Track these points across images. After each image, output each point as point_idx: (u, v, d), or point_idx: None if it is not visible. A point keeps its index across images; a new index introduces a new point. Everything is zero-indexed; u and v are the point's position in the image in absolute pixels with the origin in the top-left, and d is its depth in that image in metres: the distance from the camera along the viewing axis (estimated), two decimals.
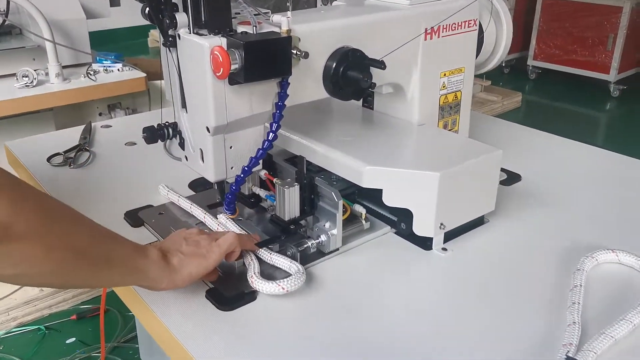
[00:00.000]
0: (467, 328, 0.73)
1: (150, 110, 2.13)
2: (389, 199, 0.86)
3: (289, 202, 0.83)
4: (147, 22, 0.81)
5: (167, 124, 0.87)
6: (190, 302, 0.77)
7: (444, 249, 0.88)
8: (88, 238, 0.67)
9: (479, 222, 0.93)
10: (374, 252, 0.88)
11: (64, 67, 1.95)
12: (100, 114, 2.13)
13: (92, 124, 1.33)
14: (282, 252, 0.83)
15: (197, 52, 0.75)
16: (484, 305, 0.77)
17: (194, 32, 0.77)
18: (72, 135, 1.28)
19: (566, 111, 4.37)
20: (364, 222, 0.89)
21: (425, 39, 0.96)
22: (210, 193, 1.03)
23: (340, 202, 0.82)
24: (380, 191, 0.85)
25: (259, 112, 0.82)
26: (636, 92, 4.52)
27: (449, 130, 1.06)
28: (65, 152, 1.19)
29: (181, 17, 0.77)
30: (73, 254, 0.64)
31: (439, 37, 0.97)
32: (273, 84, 0.81)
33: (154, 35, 5.39)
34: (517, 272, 0.84)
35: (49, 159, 1.17)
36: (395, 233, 0.92)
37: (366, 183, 0.86)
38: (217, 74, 0.73)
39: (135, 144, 1.25)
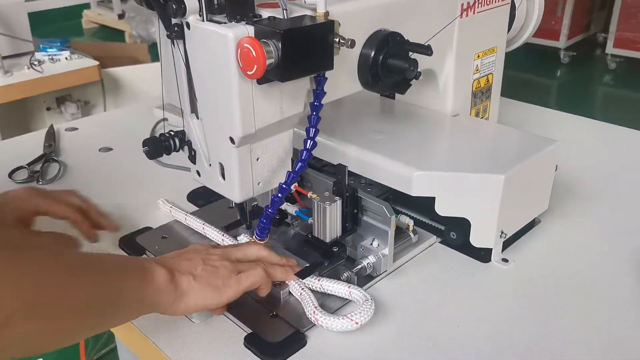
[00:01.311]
0: (555, 349, 0.62)
1: (106, 102, 1.92)
2: (442, 208, 0.74)
3: (331, 220, 0.70)
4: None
5: (171, 133, 0.71)
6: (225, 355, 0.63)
7: (505, 260, 0.76)
8: (87, 292, 0.53)
9: (531, 224, 0.83)
10: (427, 269, 0.75)
11: (3, 57, 1.71)
12: (48, 109, 1.90)
13: (55, 127, 1.14)
14: (330, 277, 0.70)
15: (218, 45, 0.60)
16: (570, 322, 0.66)
17: (207, 20, 0.62)
18: (32, 142, 1.09)
19: (516, 79, 4.36)
20: (412, 234, 0.76)
21: (461, 17, 0.83)
22: (219, 206, 0.88)
23: (393, 218, 0.69)
24: (418, 197, 0.73)
25: (289, 115, 0.67)
26: (585, 58, 4.57)
27: (481, 118, 0.95)
28: (29, 164, 1.00)
29: (191, 1, 0.61)
30: (72, 318, 0.52)
31: (474, 13, 0.85)
32: (305, 80, 0.67)
33: (88, 15, 5.03)
34: (592, 279, 0.74)
35: (10, 175, 0.98)
36: (441, 242, 0.80)
37: (416, 191, 0.73)
38: (249, 73, 0.58)
39: (111, 149, 1.08)
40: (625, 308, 0.69)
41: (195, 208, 0.88)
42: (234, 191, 0.68)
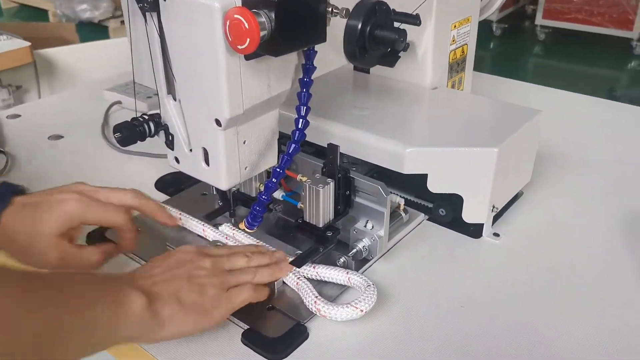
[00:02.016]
0: (557, 320, 0.61)
1: (40, 87, 1.78)
2: (435, 185, 0.71)
3: (324, 203, 0.66)
4: None
5: (145, 117, 0.65)
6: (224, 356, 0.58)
7: (496, 235, 0.75)
8: (39, 328, 0.45)
9: (515, 197, 0.82)
10: (420, 248, 0.73)
11: None
12: None
13: None
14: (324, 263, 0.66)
15: (201, 16, 0.54)
16: (568, 288, 0.66)
17: None
18: None
19: None
20: (403, 214, 0.73)
21: None
22: (192, 193, 0.82)
23: (389, 198, 0.66)
24: (403, 174, 0.70)
25: (277, 92, 0.62)
26: (516, 30, 4.69)
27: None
28: None
29: None
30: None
31: None
32: (292, 55, 0.62)
33: None
34: (582, 243, 0.74)
35: None
36: (429, 220, 0.78)
37: (409, 168, 0.70)
38: (240, 47, 0.53)
39: (61, 137, 0.99)
40: (618, 269, 0.70)
41: (165, 197, 0.82)
42: (220, 178, 0.62)
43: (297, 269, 0.64)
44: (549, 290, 0.66)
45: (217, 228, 0.72)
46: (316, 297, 0.61)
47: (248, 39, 0.52)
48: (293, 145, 0.60)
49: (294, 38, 0.55)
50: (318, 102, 0.71)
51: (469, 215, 0.73)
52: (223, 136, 0.60)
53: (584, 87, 1.18)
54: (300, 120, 0.61)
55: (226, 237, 0.70)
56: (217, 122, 0.59)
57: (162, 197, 0.82)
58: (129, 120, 0.64)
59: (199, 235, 0.73)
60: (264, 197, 0.60)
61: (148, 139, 0.66)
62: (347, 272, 0.64)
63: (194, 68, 0.58)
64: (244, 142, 0.63)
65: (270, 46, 0.54)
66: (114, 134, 0.64)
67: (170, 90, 0.63)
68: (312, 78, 0.61)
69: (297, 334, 0.60)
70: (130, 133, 0.63)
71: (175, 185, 0.85)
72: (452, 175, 0.70)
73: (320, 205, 0.65)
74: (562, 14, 4.42)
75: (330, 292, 0.65)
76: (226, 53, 0.54)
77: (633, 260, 0.71)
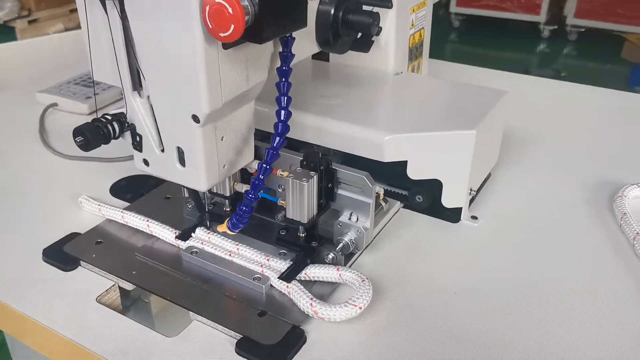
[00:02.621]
0: (545, 297, 0.61)
1: None
2: (415, 171, 0.70)
3: (308, 198, 0.62)
4: None
5: (107, 117, 0.59)
6: None
7: (474, 218, 0.75)
8: None
9: (485, 179, 0.82)
10: (401, 237, 0.71)
11: None
12: None
13: None
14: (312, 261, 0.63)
15: (174, 2, 0.49)
16: (552, 267, 0.66)
17: None
18: None
19: None
20: (383, 203, 0.71)
21: None
22: (154, 198, 0.76)
23: (375, 188, 0.64)
24: (371, 161, 0.68)
25: (255, 83, 0.58)
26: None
27: None
28: None
29: None
30: None
31: None
32: (268, 43, 0.58)
33: None
34: (555, 215, 0.75)
35: None
36: (405, 207, 0.77)
37: (389, 156, 0.68)
38: (222, 35, 0.48)
39: None
40: (589, 232, 0.72)
41: (125, 203, 0.76)
42: (199, 178, 0.58)
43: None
44: (536, 267, 0.67)
45: (191, 235, 0.67)
46: (311, 299, 0.58)
47: (232, 25, 0.47)
48: (278, 139, 0.56)
49: (278, 23, 0.52)
50: (273, 95, 0.67)
51: (448, 199, 0.72)
52: (201, 133, 0.55)
53: (500, 70, 1.21)
54: (282, 111, 0.57)
55: (202, 243, 0.66)
56: (195, 119, 0.54)
57: (121, 203, 0.76)
58: (90, 122, 0.58)
59: (170, 243, 0.68)
60: (251, 195, 0.56)
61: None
62: (338, 269, 0.62)
63: (165, 61, 0.53)
64: (222, 139, 0.58)
65: (254, 32, 0.50)
66: (74, 138, 0.57)
67: (137, 86, 0.57)
68: (291, 66, 0.58)
69: (295, 339, 0.56)
70: (93, 136, 0.57)
71: (132, 190, 0.79)
72: (432, 160, 0.69)
73: (304, 200, 0.62)
74: (475, 1, 4.57)
75: (321, 290, 0.62)
76: (204, 42, 0.50)
77: (605, 227, 0.73)
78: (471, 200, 0.77)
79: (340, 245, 0.65)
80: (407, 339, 0.57)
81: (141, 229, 0.69)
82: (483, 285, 0.64)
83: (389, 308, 0.61)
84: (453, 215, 0.74)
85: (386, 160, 0.68)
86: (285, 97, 0.57)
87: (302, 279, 0.62)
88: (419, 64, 0.92)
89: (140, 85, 0.57)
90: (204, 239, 0.66)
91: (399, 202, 0.76)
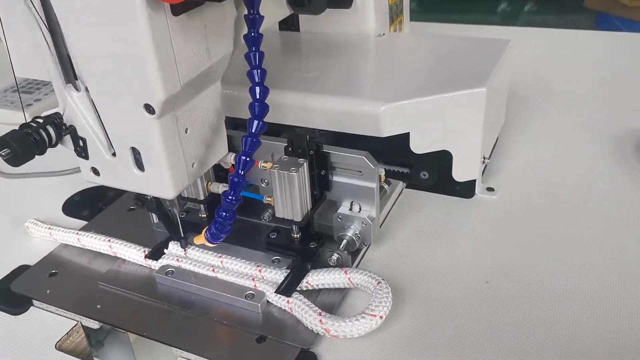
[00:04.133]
0: (591, 268, 0.52)
1: None
2: (419, 144, 0.59)
3: (300, 190, 0.51)
4: None
5: (39, 121, 0.47)
6: None
7: (490, 189, 0.65)
8: None
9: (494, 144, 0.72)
10: (411, 221, 0.61)
11: None
12: None
13: None
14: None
15: None
16: (585, 232, 0.57)
17: None
18: None
19: None
20: (386, 186, 0.61)
21: None
22: (115, 211, 0.65)
23: (378, 169, 0.53)
24: (360, 138, 0.58)
25: (218, 57, 0.47)
26: None
27: None
28: None
29: None
30: None
31: None
32: (229, 5, 0.47)
33: None
34: (581, 177, 0.66)
35: None
36: (408, 187, 0.67)
37: (387, 130, 0.57)
38: None
39: None
40: (620, 187, 0.63)
41: (82, 222, 0.64)
42: (164, 183, 0.46)
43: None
44: (572, 234, 0.57)
45: (163, 251, 0.56)
46: (320, 314, 0.47)
47: None
48: (256, 122, 0.45)
49: None
50: (241, 74, 0.56)
51: (460, 172, 0.62)
52: (158, 127, 0.44)
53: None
54: (257, 88, 0.46)
55: (177, 260, 0.55)
56: (148, 109, 0.43)
57: (78, 223, 0.64)
58: (17, 129, 0.46)
59: (139, 264, 0.56)
60: (230, 197, 0.45)
61: (48, 150, 0.48)
62: (346, 272, 0.51)
63: (101, 40, 0.41)
64: (186, 131, 0.47)
65: None
66: (0, 152, 0.45)
67: (70, 78, 0.45)
68: (260, 32, 0.46)
69: None
70: (23, 146, 0.45)
71: (89, 206, 0.67)
72: (438, 128, 0.59)
73: (296, 194, 0.51)
74: None
75: (328, 300, 0.51)
76: (147, 8, 0.38)
77: (636, 179, 0.64)
78: (483, 171, 0.67)
79: (344, 242, 0.54)
80: (441, 344, 0.47)
81: (103, 252, 0.57)
82: (516, 266, 0.54)
83: (412, 311, 0.50)
84: (465, 189, 0.64)
85: (384, 134, 0.57)
86: (259, 70, 0.46)
87: (304, 288, 0.52)
88: (400, 23, 0.81)
89: (75, 76, 0.45)
90: (179, 255, 0.55)
91: (401, 182, 0.66)
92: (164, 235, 0.58)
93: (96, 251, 0.58)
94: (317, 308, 0.48)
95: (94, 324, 0.51)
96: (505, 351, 0.46)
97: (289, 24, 0.77)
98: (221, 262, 0.54)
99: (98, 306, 0.52)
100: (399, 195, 0.65)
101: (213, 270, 0.53)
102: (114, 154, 0.47)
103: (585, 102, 0.82)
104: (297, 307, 0.49)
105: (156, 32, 0.39)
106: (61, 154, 0.48)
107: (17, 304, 0.54)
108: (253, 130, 0.45)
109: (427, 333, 0.48)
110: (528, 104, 0.82)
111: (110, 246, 0.57)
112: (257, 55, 0.46)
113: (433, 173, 0.64)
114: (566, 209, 0.61)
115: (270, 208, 0.56)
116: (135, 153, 0.46)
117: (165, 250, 0.56)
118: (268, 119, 0.49)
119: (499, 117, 0.70)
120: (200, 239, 0.50)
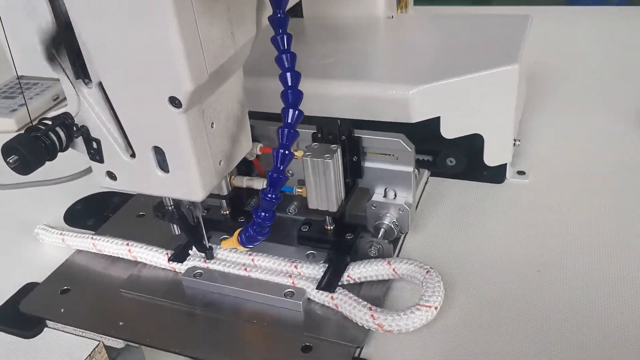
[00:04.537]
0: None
1: None
2: (450, 129, 0.56)
3: (335, 179, 0.48)
4: None
5: (47, 123, 0.42)
6: None
7: (521, 173, 0.62)
8: None
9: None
10: (443, 209, 0.58)
11: None
12: None
13: None
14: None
15: None
16: (631, 209, 0.54)
17: None
18: None
19: None
20: (416, 171, 0.57)
21: None
22: (124, 218, 0.60)
23: (414, 152, 0.49)
24: (381, 125, 0.54)
25: (242, 42, 0.43)
26: None
27: None
28: None
29: None
30: None
31: None
32: None
33: None
34: (616, 153, 0.64)
35: None
36: (434, 175, 0.63)
37: (418, 115, 0.54)
38: None
39: None
40: None
41: (89, 232, 0.59)
42: (191, 184, 0.42)
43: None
44: (617, 214, 0.55)
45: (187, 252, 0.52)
46: (370, 308, 0.44)
47: None
48: (292, 111, 0.41)
49: None
50: (260, 64, 0.51)
51: (491, 156, 0.58)
52: (185, 121, 0.40)
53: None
54: (289, 73, 0.42)
55: (205, 261, 0.51)
56: (174, 102, 0.38)
57: (84, 233, 0.59)
58: (23, 133, 0.42)
59: (163, 268, 0.52)
60: (270, 195, 0.41)
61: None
62: (389, 262, 0.48)
63: (121, 29, 0.37)
64: (212, 125, 0.43)
65: None
66: (6, 160, 0.40)
67: (80, 74, 0.41)
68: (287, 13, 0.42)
69: None
70: (33, 152, 0.40)
71: (93, 214, 0.62)
72: (470, 111, 0.55)
73: (332, 182, 0.47)
74: None
75: (372, 293, 0.48)
76: None
77: None
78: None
79: (382, 231, 0.50)
80: (496, 335, 0.44)
81: (121, 256, 0.53)
82: (564, 252, 0.51)
83: (463, 301, 0.47)
84: (495, 174, 0.61)
85: (414, 120, 0.54)
86: (289, 54, 0.42)
87: (345, 283, 0.48)
88: (406, 4, 0.77)
89: (85, 70, 0.40)
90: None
91: (426, 171, 0.63)
92: (185, 238, 0.54)
93: (111, 259, 0.54)
94: (366, 303, 0.45)
95: (118, 343, 0.47)
96: (564, 343, 0.43)
97: (290, 10, 0.72)
98: (252, 260, 0.50)
99: (120, 323, 0.48)
100: (426, 183, 0.62)
101: (245, 269, 0.49)
102: (132, 155, 0.43)
103: (603, 79, 0.80)
104: (344, 302, 0.45)
105: (182, 18, 0.35)
106: (56, 160, 0.43)
107: (29, 326, 0.49)
108: (289, 120, 0.41)
109: (481, 323, 0.45)
110: (549, 81, 0.80)
111: (129, 250, 0.52)
112: (286, 38, 0.42)
113: (461, 159, 0.60)
114: (601, 186, 0.59)
115: (296, 200, 0.52)
116: (159, 153, 0.42)
117: (190, 252, 0.52)
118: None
119: (524, 95, 0.67)
120: (229, 243, 0.46)
